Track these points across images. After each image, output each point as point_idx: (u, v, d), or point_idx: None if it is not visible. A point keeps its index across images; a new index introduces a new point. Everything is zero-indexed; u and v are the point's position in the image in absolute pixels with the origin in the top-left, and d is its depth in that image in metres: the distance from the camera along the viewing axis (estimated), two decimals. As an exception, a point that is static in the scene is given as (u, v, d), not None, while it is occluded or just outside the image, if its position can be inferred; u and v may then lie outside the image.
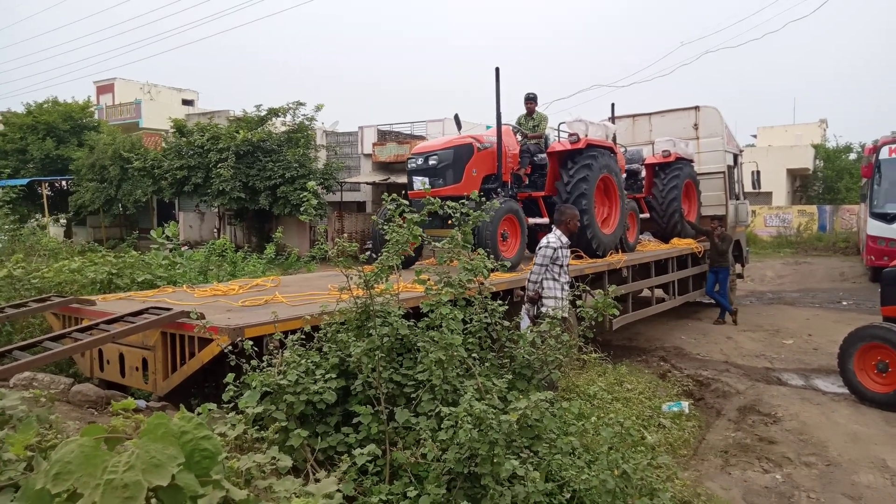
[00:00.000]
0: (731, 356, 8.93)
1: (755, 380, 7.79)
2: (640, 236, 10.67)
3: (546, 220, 8.32)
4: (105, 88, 35.86)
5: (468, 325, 3.83)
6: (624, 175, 10.79)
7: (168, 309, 4.53)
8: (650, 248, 10.60)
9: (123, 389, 4.78)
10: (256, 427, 3.08)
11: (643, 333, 10.21)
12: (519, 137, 8.76)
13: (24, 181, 23.26)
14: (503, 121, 8.07)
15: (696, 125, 12.24)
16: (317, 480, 2.73)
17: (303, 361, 3.54)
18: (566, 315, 5.46)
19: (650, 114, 12.71)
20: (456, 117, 8.34)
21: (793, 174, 32.36)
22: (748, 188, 14.38)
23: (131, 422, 2.34)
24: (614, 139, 9.66)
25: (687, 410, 6.43)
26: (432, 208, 4.18)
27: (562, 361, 3.82)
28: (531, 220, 8.27)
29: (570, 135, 8.38)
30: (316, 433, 3.44)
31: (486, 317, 3.90)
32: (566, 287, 5.58)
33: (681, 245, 10.92)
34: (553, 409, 3.19)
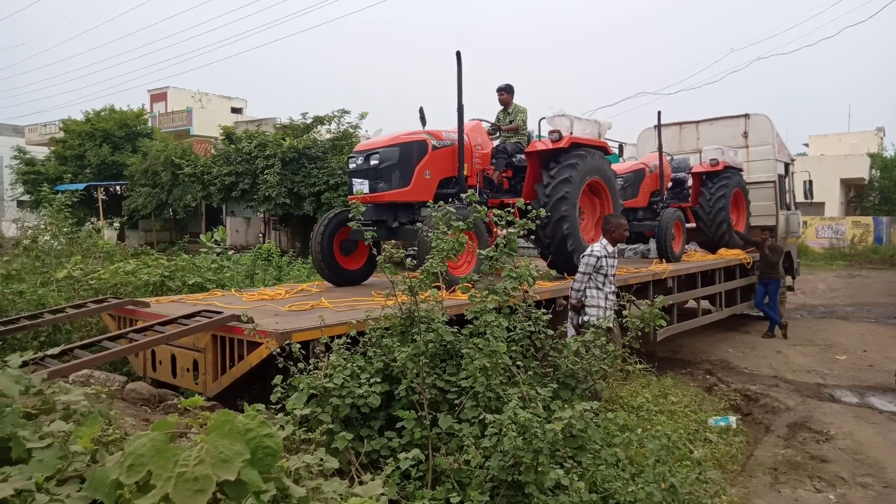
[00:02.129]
0: (780, 371, 8.66)
1: (806, 396, 7.54)
2: (686, 246, 10.47)
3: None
4: (158, 97, 37.12)
5: (512, 333, 3.83)
6: (669, 184, 10.66)
7: (219, 312, 4.66)
8: (696, 258, 10.38)
9: (174, 389, 4.93)
10: (304, 429, 3.14)
11: (688, 346, 9.99)
12: (500, 137, 7.72)
13: (82, 186, 24.21)
14: (481, 117, 7.36)
15: (745, 133, 11.95)
16: (361, 483, 2.77)
17: (348, 365, 3.59)
18: (610, 325, 5.41)
19: (698, 121, 12.48)
20: (420, 111, 7.12)
21: (847, 184, 31.29)
22: (800, 198, 13.95)
23: (190, 419, 2.43)
24: (627, 147, 9.34)
25: (734, 425, 6.27)
26: (356, 215, 3.99)
27: (606, 372, 3.77)
28: (502, 232, 7.37)
29: (552, 132, 7.25)
30: (360, 436, 3.49)
31: (529, 325, 3.89)
32: (610, 297, 5.53)
33: (729, 256, 10.66)
34: (597, 419, 3.16)
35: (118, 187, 26.90)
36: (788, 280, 12.54)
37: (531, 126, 7.96)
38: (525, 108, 7.80)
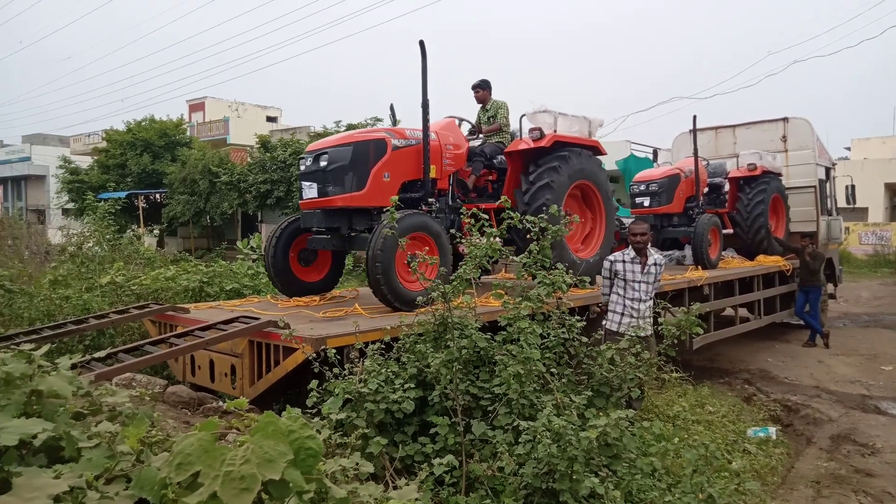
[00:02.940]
0: (822, 381, 8.43)
1: (850, 407, 7.32)
2: (723, 253, 10.28)
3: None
4: (196, 107, 38.02)
5: (545, 340, 3.82)
6: (705, 189, 10.49)
7: (256, 318, 4.75)
8: (734, 264, 10.18)
9: (212, 393, 5.04)
10: (339, 433, 3.18)
11: (725, 354, 9.79)
12: (480, 139, 7.09)
13: (124, 194, 24.91)
14: (457, 115, 6.80)
15: (784, 137, 11.70)
16: (395, 488, 2.79)
17: (383, 371, 3.63)
18: (613, 328, 5.43)
19: (734, 126, 12.26)
20: (391, 108, 6.54)
21: (891, 189, 30.30)
22: (842, 203, 13.59)
23: (235, 420, 2.48)
24: (661, 152, 9.02)
25: (774, 436, 6.13)
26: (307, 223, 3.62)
27: (641, 380, 3.74)
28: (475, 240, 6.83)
29: (532, 129, 6.57)
30: (394, 442, 3.52)
31: (563, 332, 3.88)
32: (631, 304, 5.49)
33: (767, 262, 10.43)
34: (633, 428, 3.13)
35: (158, 195, 27.59)
36: (830, 288, 12.20)
37: (513, 125, 7.21)
38: (504, 102, 7.11)
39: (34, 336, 4.71)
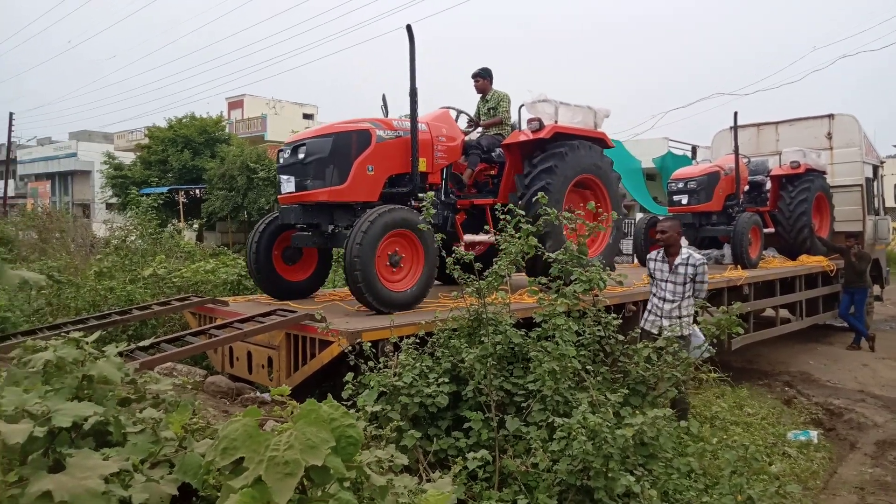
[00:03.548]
0: (867, 385, 8.17)
1: (896, 412, 7.10)
2: (764, 252, 10.04)
3: (489, 236, 5.90)
4: (235, 104, 38.69)
5: (581, 338, 3.79)
6: (746, 187, 10.26)
7: (293, 311, 4.83)
8: (775, 264, 9.95)
9: (250, 384, 5.14)
10: (374, 426, 3.21)
11: (765, 356, 9.57)
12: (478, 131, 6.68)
13: (165, 189, 25.52)
14: (454, 105, 6.49)
15: (829, 134, 11.37)
16: (429, 480, 2.81)
17: (417, 365, 3.66)
18: (649, 329, 5.36)
19: (777, 122, 11.97)
20: (383, 98, 6.15)
21: (943, 188, 29.16)
22: (889, 203, 13.14)
23: (276, 408, 2.53)
24: (700, 150, 8.82)
25: (816, 440, 5.97)
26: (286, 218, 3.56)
27: (679, 379, 3.68)
28: (469, 238, 6.05)
29: (531, 120, 6.16)
30: (428, 435, 3.54)
31: (599, 330, 3.84)
32: (658, 303, 5.50)
33: (810, 263, 10.16)
34: (670, 427, 3.09)
35: (197, 191, 28.17)
36: (876, 289, 11.83)
37: (515, 118, 6.83)
38: (506, 93, 6.70)
39: (80, 325, 4.88)
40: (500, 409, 3.54)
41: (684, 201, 9.76)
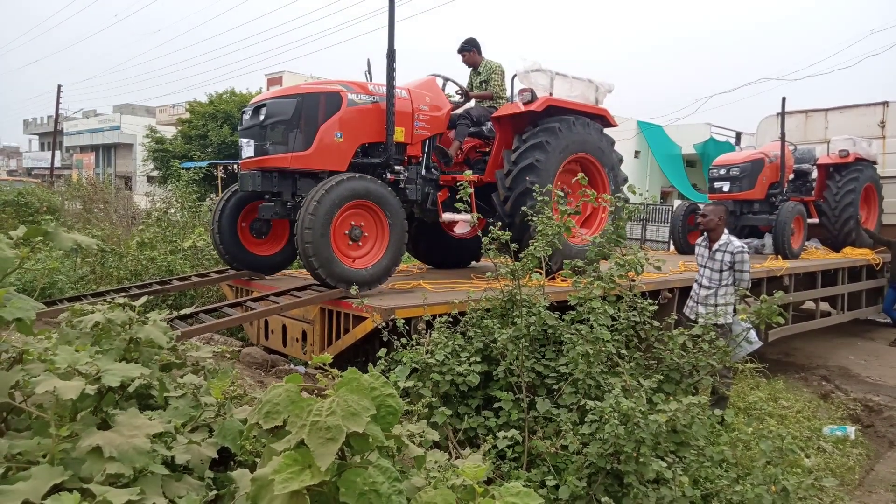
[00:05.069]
0: (909, 383, 7.94)
1: (939, 412, 6.88)
2: (807, 243, 9.78)
3: (470, 216, 4.77)
4: (274, 81, 38.89)
5: (615, 322, 3.76)
6: (791, 176, 9.98)
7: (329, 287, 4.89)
8: (817, 255, 9.68)
9: (283, 356, 5.24)
10: (407, 401, 3.25)
11: (802, 349, 9.36)
12: (466, 102, 6.11)
13: (204, 164, 25.95)
14: (443, 74, 5.97)
15: (882, 123, 10.95)
16: (458, 457, 2.84)
17: (449, 343, 3.68)
18: (687, 315, 5.42)
19: (826, 109, 11.59)
20: (367, 64, 5.55)
21: None
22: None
23: (317, 376, 2.57)
24: (744, 136, 8.57)
25: (853, 436, 5.84)
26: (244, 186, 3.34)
27: (714, 369, 3.63)
28: (448, 216, 5.62)
29: (522, 91, 5.66)
30: (457, 413, 3.57)
31: (634, 315, 3.81)
32: (697, 288, 5.50)
33: (854, 255, 9.86)
34: (703, 415, 3.06)
35: (235, 166, 28.59)
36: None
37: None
38: (499, 64, 6.19)
39: (123, 293, 5.02)
40: (530, 391, 3.54)
41: (725, 188, 9.55)
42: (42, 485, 1.22)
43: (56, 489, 1.26)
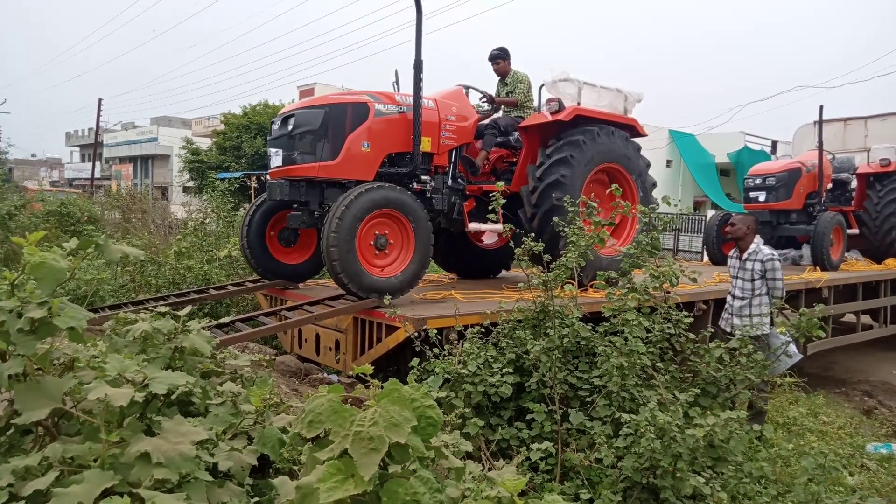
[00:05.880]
0: (957, 400, 7.66)
1: None
2: (847, 254, 9.54)
3: (499, 226, 5.48)
4: (306, 92, 39.42)
5: (650, 335, 3.72)
6: (829, 185, 9.76)
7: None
8: (858, 267, 9.43)
9: (316, 365, 5.30)
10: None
11: (842, 363, 9.11)
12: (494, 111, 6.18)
13: (238, 174, 26.43)
14: (472, 84, 5.99)
15: (925, 131, 10.66)
16: (490, 468, 2.84)
17: (481, 354, 3.68)
18: (723, 327, 5.37)
19: (866, 117, 11.33)
20: (395, 74, 5.68)
21: None
22: None
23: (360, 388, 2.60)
24: (780, 144, 8.40)
25: (898, 454, 5.65)
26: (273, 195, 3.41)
27: (753, 383, 3.56)
28: (475, 226, 5.66)
29: (550, 101, 5.64)
30: (490, 424, 3.57)
31: (669, 327, 3.76)
32: (730, 300, 5.43)
33: (897, 267, 9.58)
34: (741, 430, 3.00)
35: (268, 176, 29.04)
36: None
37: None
38: (526, 75, 6.22)
39: (161, 302, 5.13)
40: (563, 403, 3.52)
41: (761, 198, 9.38)
42: (94, 488, 1.27)
43: (107, 493, 1.30)
